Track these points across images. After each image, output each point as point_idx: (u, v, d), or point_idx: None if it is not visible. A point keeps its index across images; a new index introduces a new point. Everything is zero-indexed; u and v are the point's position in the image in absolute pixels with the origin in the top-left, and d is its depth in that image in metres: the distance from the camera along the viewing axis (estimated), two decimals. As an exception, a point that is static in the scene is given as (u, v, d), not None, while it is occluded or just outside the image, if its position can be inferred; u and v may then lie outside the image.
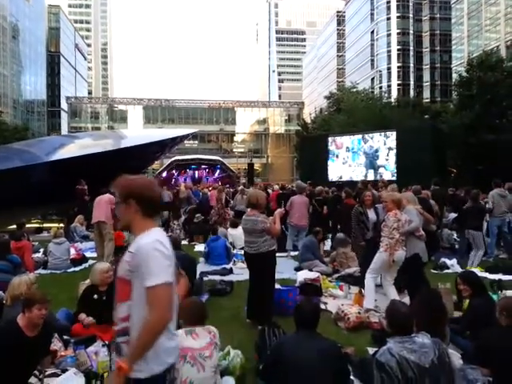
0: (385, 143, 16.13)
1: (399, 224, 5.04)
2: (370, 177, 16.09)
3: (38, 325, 3.23)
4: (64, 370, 3.39)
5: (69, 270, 8.01)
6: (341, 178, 16.97)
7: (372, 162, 16.28)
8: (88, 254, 9.36)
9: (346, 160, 16.73)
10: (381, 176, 15.85)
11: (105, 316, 4.31)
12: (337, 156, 17.11)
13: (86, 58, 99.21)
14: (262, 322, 4.32)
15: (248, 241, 4.92)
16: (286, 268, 7.48)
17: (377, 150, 16.24)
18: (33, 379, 3.20)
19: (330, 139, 19.16)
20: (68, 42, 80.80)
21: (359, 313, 4.81)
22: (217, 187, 16.12)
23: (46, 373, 3.30)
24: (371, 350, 3.84)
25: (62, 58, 76.18)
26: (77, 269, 8.16)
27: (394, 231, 5.02)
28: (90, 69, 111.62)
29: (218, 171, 30.42)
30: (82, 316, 4.41)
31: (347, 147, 16.74)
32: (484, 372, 3.03)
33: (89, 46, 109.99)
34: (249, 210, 5.03)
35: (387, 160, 16.00)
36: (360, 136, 17.01)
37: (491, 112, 24.63)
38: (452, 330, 3.81)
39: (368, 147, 16.36)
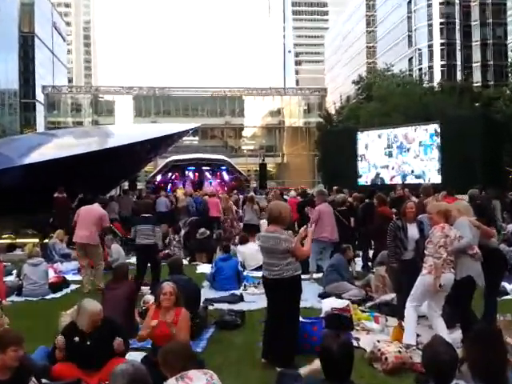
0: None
1: (447, 240, 5.00)
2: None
3: (11, 367, 3.32)
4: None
5: (47, 297, 8.07)
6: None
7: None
8: (70, 277, 9.46)
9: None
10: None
11: (89, 363, 4.22)
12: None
13: (65, 40, 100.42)
14: (281, 364, 4.30)
15: (267, 263, 4.91)
16: (308, 294, 7.38)
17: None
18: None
19: (358, 133, 19.45)
20: (44, 21, 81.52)
21: (400, 351, 4.76)
22: (215, 194, 16.03)
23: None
24: (415, 399, 3.80)
25: (36, 40, 77.09)
26: (57, 295, 8.25)
27: (440, 249, 4.99)
28: (69, 52, 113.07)
29: (224, 173, 30.46)
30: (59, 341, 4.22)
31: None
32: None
33: (68, 24, 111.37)
34: (269, 224, 5.03)
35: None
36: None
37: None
38: None
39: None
